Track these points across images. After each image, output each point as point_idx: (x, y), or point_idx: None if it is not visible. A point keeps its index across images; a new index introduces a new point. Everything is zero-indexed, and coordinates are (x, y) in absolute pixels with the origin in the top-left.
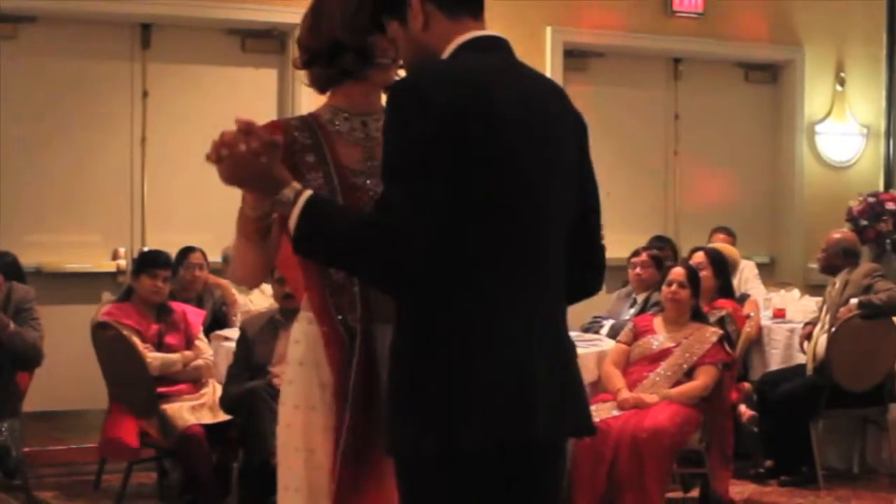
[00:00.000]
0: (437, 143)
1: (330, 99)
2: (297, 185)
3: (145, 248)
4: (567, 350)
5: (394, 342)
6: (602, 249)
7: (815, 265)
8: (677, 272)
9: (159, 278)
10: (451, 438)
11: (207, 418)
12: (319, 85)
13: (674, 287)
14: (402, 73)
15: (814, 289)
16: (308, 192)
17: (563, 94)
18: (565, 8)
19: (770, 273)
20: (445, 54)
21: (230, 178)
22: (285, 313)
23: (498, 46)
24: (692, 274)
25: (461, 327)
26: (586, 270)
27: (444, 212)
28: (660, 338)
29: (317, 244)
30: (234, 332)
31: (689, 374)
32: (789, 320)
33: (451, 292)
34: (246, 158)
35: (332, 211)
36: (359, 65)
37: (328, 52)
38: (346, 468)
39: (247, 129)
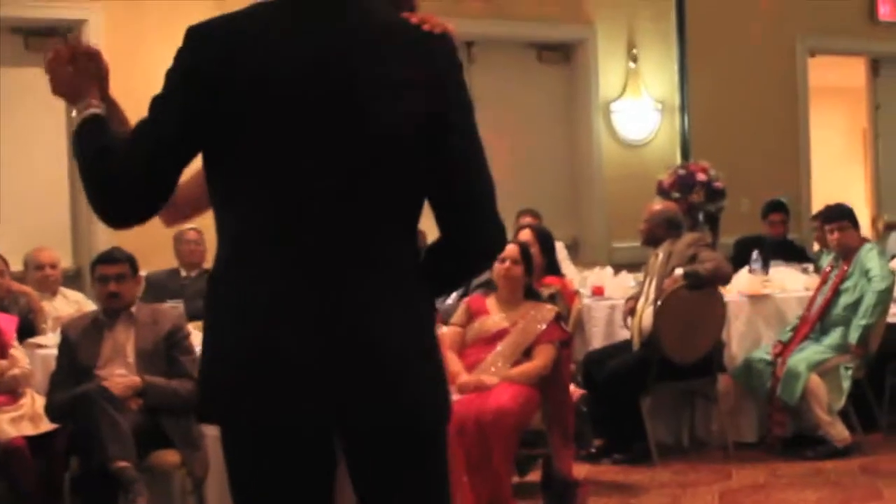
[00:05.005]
0: (179, 88)
1: None
2: (93, 103)
3: None
4: (373, 324)
5: None
6: (468, 227)
7: (619, 244)
8: (510, 249)
9: None
10: (199, 413)
11: (28, 430)
12: None
13: (507, 264)
14: None
15: (621, 267)
16: (90, 112)
17: (403, 47)
18: None
19: (574, 254)
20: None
21: (53, 87)
22: (109, 313)
23: None
24: (525, 251)
25: (214, 298)
26: (450, 251)
27: (166, 153)
28: (495, 318)
29: (79, 161)
30: (47, 339)
31: (527, 354)
32: (608, 297)
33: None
34: (54, 65)
35: (100, 134)
36: None
37: None
38: None
39: (68, 41)
